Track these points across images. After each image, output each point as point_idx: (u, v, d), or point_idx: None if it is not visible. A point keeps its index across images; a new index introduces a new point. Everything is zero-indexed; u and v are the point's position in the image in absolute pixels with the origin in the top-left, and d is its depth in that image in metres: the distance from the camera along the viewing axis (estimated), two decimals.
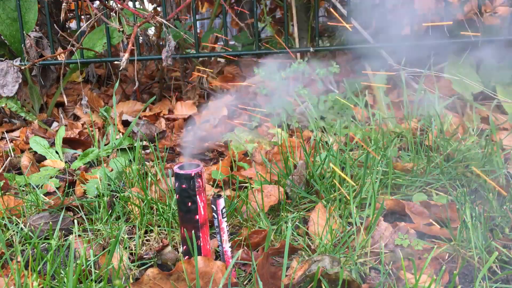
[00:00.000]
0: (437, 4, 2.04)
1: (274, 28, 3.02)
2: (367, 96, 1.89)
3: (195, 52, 2.13)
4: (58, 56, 1.83)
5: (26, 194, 1.28)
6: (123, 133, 1.81)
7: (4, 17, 2.11)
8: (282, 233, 1.04)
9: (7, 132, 2.03)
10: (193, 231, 0.85)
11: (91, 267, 0.88)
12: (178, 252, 0.98)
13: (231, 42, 3.05)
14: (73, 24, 3.58)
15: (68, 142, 1.76)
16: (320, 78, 2.00)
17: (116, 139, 1.65)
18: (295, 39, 2.42)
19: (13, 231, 1.08)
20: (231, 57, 2.29)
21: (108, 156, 1.58)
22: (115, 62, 2.46)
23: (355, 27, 2.23)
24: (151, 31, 2.78)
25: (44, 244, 1.06)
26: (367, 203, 1.11)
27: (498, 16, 2.06)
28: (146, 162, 1.47)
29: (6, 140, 1.83)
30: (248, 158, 1.50)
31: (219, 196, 0.87)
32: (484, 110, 1.82)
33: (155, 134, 1.86)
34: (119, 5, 1.47)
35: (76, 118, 2.23)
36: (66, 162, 1.60)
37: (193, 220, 0.85)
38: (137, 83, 1.61)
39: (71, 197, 1.30)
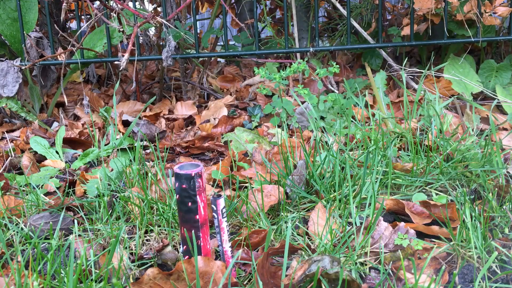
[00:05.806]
0: (437, 4, 2.04)
1: (274, 28, 3.03)
2: (367, 96, 1.89)
3: (195, 52, 2.13)
4: (58, 56, 1.83)
5: (27, 194, 1.28)
6: (123, 133, 1.82)
7: (4, 17, 2.11)
8: (282, 233, 1.04)
9: (7, 132, 2.03)
10: (193, 231, 0.86)
11: (91, 267, 0.89)
12: (178, 252, 0.98)
13: (231, 42, 3.05)
14: (73, 24, 3.59)
15: (68, 142, 1.76)
16: (320, 78, 2.00)
17: (117, 139, 1.65)
18: (295, 39, 2.42)
19: (14, 231, 1.08)
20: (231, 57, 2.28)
21: (108, 156, 1.58)
22: (115, 62, 2.46)
23: (355, 27, 2.23)
24: (151, 31, 2.79)
25: (44, 244, 1.06)
26: (367, 203, 1.12)
27: (498, 16, 2.06)
28: (146, 162, 1.47)
29: (7, 140, 1.83)
30: (248, 158, 1.50)
31: (219, 196, 0.87)
32: (484, 110, 1.83)
33: (155, 134, 1.86)
34: (119, 5, 1.47)
35: (77, 118, 2.23)
36: (66, 162, 1.60)
37: (193, 220, 0.85)
38: (134, 84, 1.61)
39: (71, 197, 1.30)
